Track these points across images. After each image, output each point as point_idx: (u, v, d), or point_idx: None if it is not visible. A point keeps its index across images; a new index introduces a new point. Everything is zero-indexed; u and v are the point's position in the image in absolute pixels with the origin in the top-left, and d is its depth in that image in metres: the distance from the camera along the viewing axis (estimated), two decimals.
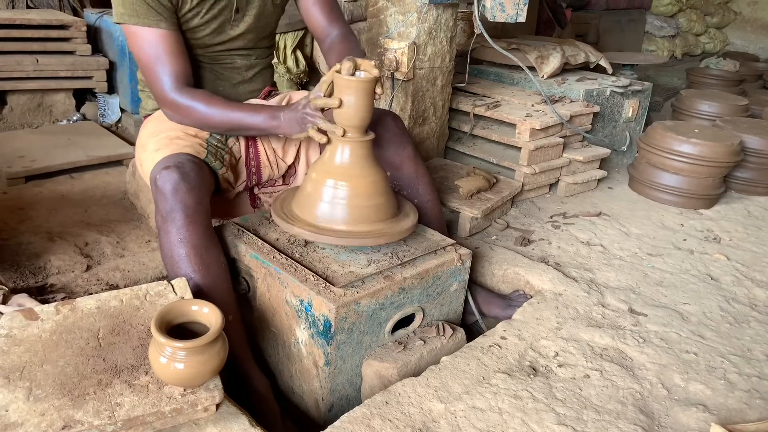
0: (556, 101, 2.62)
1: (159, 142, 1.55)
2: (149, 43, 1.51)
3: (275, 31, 1.84)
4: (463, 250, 1.65)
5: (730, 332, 1.67)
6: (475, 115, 2.59)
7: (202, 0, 1.54)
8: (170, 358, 1.06)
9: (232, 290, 1.50)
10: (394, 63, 2.23)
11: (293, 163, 1.81)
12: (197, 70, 1.66)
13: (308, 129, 1.48)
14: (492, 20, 2.21)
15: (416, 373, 1.42)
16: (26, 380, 1.09)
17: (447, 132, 2.64)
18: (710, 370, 1.49)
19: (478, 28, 2.21)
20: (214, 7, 1.57)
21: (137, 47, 1.53)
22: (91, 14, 3.30)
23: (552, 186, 2.61)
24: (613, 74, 3.04)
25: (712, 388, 1.43)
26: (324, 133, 1.48)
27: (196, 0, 1.54)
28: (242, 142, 1.70)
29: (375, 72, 1.42)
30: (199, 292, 1.39)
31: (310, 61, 3.17)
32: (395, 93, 2.33)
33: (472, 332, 1.77)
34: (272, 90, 1.85)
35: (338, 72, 1.41)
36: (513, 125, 2.46)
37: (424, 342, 1.54)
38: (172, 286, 1.35)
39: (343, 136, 1.46)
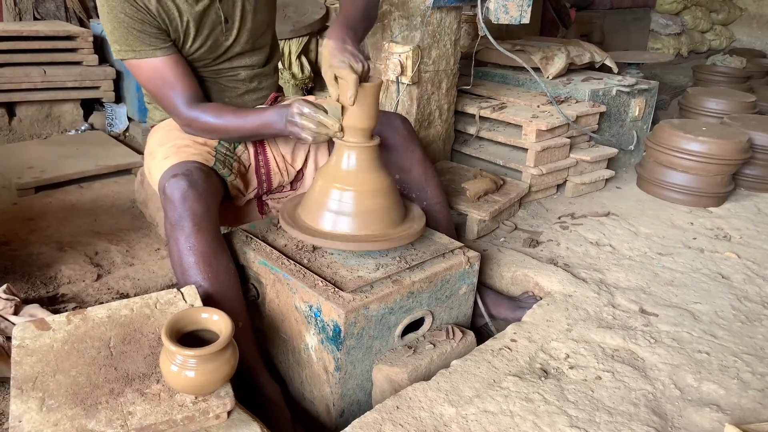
0: (562, 102, 2.61)
1: (167, 151, 1.57)
2: (153, 73, 1.54)
3: (274, 31, 1.83)
4: (472, 253, 1.65)
5: (742, 331, 1.66)
6: (480, 117, 2.59)
7: (190, 21, 1.55)
8: (181, 366, 1.07)
9: (241, 297, 1.51)
10: (399, 67, 2.23)
11: (301, 168, 1.81)
12: (202, 84, 1.67)
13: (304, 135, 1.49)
14: (496, 22, 2.21)
15: (427, 377, 1.42)
16: (39, 390, 1.09)
17: (453, 135, 2.63)
18: (723, 370, 1.48)
19: (482, 30, 2.21)
20: (203, 25, 1.58)
21: (143, 78, 1.57)
22: (97, 24, 3.33)
23: (559, 187, 2.60)
24: (618, 73, 3.03)
25: (726, 387, 1.42)
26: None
27: (185, 23, 1.54)
28: (251, 150, 1.71)
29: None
30: (208, 300, 1.40)
31: (315, 66, 3.19)
32: (400, 97, 2.33)
33: (482, 335, 1.76)
34: (278, 96, 1.86)
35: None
36: (519, 127, 2.46)
37: (434, 346, 1.54)
38: (182, 294, 1.36)
39: (341, 131, 1.46)
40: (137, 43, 1.50)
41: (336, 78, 1.41)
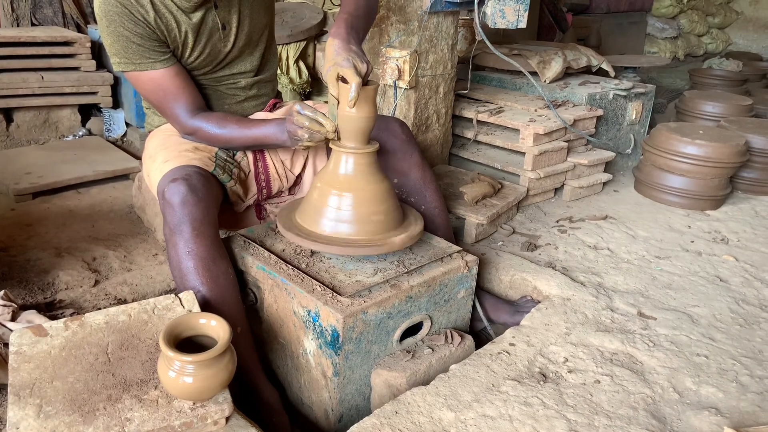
0: (559, 105, 2.62)
1: (168, 154, 1.57)
2: (154, 85, 1.55)
3: (273, 36, 1.83)
4: (470, 257, 1.65)
5: (740, 334, 1.66)
6: (478, 121, 2.59)
7: (188, 32, 1.55)
8: (179, 372, 1.07)
9: (240, 302, 1.50)
10: (397, 72, 2.24)
11: (300, 173, 1.81)
12: (202, 92, 1.67)
13: (299, 142, 1.49)
14: (493, 27, 2.21)
15: (425, 382, 1.42)
16: (36, 397, 1.09)
17: (451, 139, 2.64)
18: (721, 373, 1.48)
19: (479, 34, 2.21)
20: (202, 33, 1.58)
21: (144, 90, 1.58)
22: (94, 30, 3.33)
23: (557, 190, 2.61)
24: (615, 77, 3.04)
25: (724, 390, 1.42)
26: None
27: (183, 34, 1.54)
28: (250, 156, 1.71)
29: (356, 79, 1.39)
30: (207, 304, 1.39)
31: (312, 71, 3.19)
32: (398, 101, 2.34)
33: (481, 339, 1.76)
34: (277, 102, 1.86)
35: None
36: (517, 130, 2.46)
37: (433, 350, 1.53)
38: (180, 299, 1.35)
39: (335, 132, 1.46)
40: (137, 56, 1.50)
41: (338, 77, 1.41)
